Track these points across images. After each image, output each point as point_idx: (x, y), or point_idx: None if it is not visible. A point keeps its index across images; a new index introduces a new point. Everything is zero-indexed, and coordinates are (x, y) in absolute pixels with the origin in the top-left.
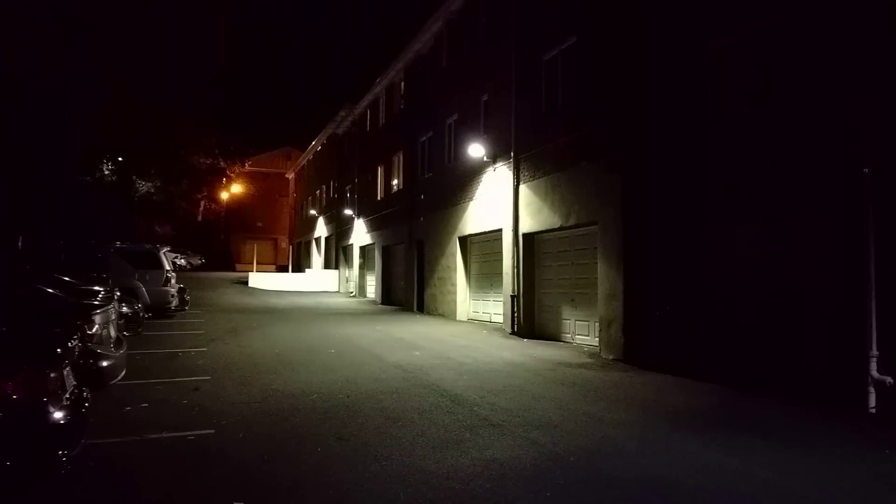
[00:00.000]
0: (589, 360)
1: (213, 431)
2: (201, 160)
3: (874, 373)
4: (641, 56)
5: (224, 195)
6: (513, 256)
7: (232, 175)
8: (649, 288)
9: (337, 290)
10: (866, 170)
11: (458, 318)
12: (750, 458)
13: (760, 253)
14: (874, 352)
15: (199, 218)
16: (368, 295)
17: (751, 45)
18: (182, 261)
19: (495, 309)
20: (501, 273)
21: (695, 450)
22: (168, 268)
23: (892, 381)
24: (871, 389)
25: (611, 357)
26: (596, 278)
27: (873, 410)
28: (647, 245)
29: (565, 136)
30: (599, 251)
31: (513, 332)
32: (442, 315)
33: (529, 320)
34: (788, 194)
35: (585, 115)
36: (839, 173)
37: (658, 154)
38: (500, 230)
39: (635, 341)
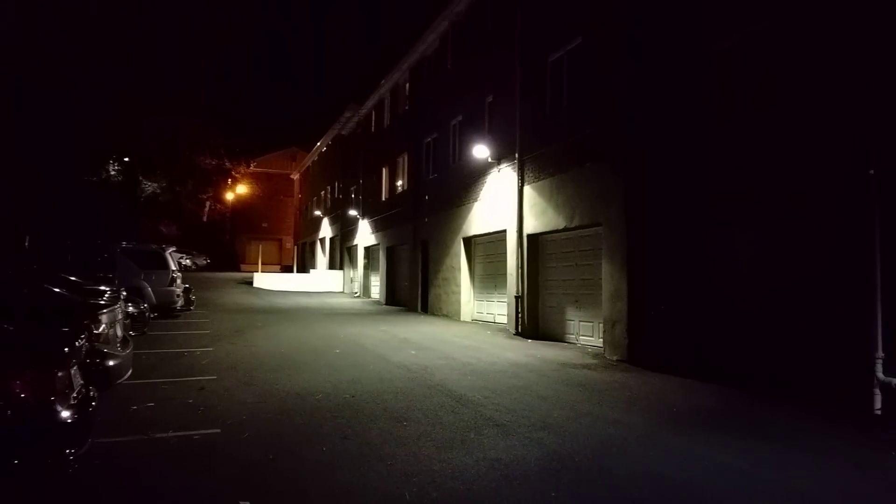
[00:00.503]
0: (593, 361)
1: (218, 431)
2: (207, 161)
3: (880, 374)
4: (646, 57)
5: (229, 196)
6: (517, 257)
7: (237, 176)
8: (654, 289)
9: (341, 290)
10: (872, 171)
11: (462, 319)
12: (754, 459)
13: (764, 254)
14: (879, 353)
15: (205, 218)
16: (373, 295)
17: (756, 45)
18: (187, 261)
19: (499, 310)
20: (506, 274)
21: (699, 450)
22: (174, 268)
23: None
24: (877, 391)
25: (615, 358)
26: (600, 279)
27: (878, 412)
28: (651, 246)
29: (569, 137)
30: (604, 252)
31: (517, 333)
32: (446, 315)
33: (533, 321)
34: (793, 195)
35: (589, 116)
36: (845, 174)
37: (662, 155)
38: (505, 231)
39: (639, 342)
